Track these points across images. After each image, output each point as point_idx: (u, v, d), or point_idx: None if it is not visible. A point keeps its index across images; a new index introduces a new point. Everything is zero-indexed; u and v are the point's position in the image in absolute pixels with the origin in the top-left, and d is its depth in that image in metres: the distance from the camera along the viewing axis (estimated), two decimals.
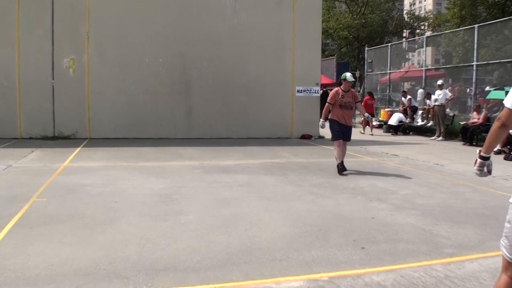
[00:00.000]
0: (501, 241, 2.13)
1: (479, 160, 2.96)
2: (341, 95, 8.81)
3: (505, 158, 11.20)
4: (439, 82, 16.61)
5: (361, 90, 31.87)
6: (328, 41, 50.74)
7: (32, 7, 13.63)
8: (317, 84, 16.26)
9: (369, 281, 3.65)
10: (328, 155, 11.51)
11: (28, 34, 13.56)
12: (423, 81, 19.46)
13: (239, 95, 15.33)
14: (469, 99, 17.34)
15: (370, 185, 7.69)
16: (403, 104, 19.51)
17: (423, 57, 20.87)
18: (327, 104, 9.01)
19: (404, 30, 50.76)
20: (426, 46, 20.41)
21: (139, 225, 5.09)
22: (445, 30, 35.32)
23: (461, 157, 11.55)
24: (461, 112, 17.66)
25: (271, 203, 6.30)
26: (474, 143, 14.21)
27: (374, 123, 21.04)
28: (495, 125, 2.66)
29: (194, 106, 15.07)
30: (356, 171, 8.89)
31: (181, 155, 11.13)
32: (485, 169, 2.96)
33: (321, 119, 9.25)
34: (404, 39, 44.88)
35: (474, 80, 16.16)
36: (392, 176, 8.62)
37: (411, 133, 18.49)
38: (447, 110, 16.89)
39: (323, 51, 28.51)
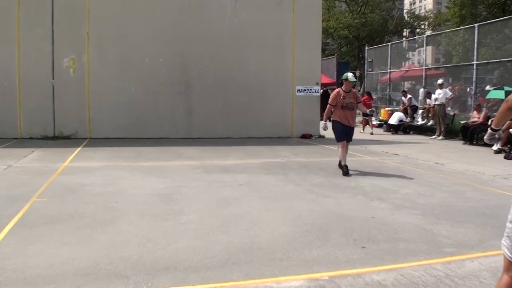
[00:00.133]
0: (503, 241, 2.13)
1: (489, 131, 3.32)
2: (343, 96, 8.69)
3: (505, 157, 11.20)
4: (439, 81, 16.61)
5: (361, 90, 31.84)
6: (328, 41, 50.73)
7: (32, 7, 13.63)
8: (317, 83, 16.26)
9: (369, 280, 3.64)
10: (328, 154, 11.52)
11: (28, 34, 13.56)
12: (423, 80, 19.46)
13: (239, 94, 15.33)
14: (469, 98, 17.33)
15: (371, 184, 7.69)
16: (403, 103, 19.50)
17: (423, 56, 20.87)
18: (328, 106, 8.89)
19: (404, 30, 50.75)
20: (426, 45, 20.39)
21: (140, 224, 5.09)
22: (445, 29, 35.32)
23: (462, 156, 11.54)
24: (462, 111, 17.66)
25: (271, 202, 6.30)
26: (474, 142, 14.21)
27: (374, 122, 21.05)
28: (503, 106, 2.94)
29: (194, 105, 15.07)
30: (357, 171, 8.88)
31: (181, 154, 11.13)
32: (496, 136, 3.31)
33: (322, 121, 9.13)
34: (404, 38, 44.94)
35: (474, 79, 16.16)
36: (393, 175, 8.61)
37: (411, 132, 18.48)
38: (449, 109, 16.90)
39: (323, 50, 28.53)
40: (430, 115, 17.46)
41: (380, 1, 47.61)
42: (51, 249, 4.21)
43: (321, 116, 21.31)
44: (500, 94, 14.02)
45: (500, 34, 16.68)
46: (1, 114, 13.41)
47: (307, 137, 15.67)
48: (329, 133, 16.15)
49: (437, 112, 16.21)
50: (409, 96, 19.36)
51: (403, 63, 26.70)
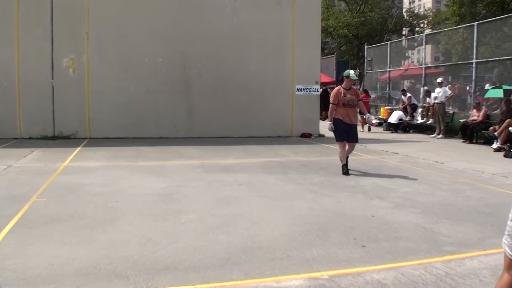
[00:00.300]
0: (504, 240, 2.12)
1: None
2: (343, 93, 8.56)
3: (505, 156, 11.20)
4: (439, 80, 16.60)
5: (361, 88, 31.83)
6: (327, 40, 50.75)
7: (32, 7, 13.62)
8: (316, 82, 16.26)
9: (369, 279, 3.65)
10: (328, 153, 11.52)
11: (28, 34, 13.55)
12: (423, 79, 19.43)
13: (239, 94, 15.32)
14: (468, 97, 17.32)
15: (371, 183, 7.69)
16: (403, 102, 19.50)
17: (422, 55, 20.85)
18: (331, 105, 8.72)
19: (404, 28, 50.74)
20: (426, 44, 20.38)
21: (140, 224, 5.09)
22: (445, 28, 35.29)
23: (461, 155, 11.54)
24: (461, 109, 17.64)
25: (271, 202, 6.31)
26: (474, 141, 14.22)
27: (374, 121, 21.02)
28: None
29: (194, 105, 15.07)
30: (356, 170, 8.88)
31: (181, 154, 11.13)
32: None
33: (328, 122, 8.87)
34: (403, 37, 44.92)
35: (473, 78, 16.14)
36: (392, 174, 8.62)
37: (411, 131, 18.48)
38: (450, 107, 16.90)
39: (322, 49, 28.49)
40: (429, 113, 17.45)
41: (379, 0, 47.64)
42: (51, 249, 4.21)
43: (321, 115, 21.42)
44: (498, 93, 14.01)
45: (500, 32, 16.66)
46: (1, 114, 13.41)
47: (307, 136, 15.67)
48: (329, 132, 16.21)
49: (437, 110, 16.21)
50: (408, 94, 19.35)
51: (402, 61, 26.69)
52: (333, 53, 37.33)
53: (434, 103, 16.38)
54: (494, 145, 12.40)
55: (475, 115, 14.58)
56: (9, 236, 4.59)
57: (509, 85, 14.18)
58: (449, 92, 16.43)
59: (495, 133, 12.57)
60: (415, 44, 31.09)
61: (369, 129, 18.27)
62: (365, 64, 25.38)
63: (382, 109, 21.33)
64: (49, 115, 13.87)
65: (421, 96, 19.56)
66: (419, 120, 18.42)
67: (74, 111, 14.07)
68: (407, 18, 51.54)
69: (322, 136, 15.90)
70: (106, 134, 14.15)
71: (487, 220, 5.48)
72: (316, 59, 16.40)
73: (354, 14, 46.02)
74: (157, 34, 14.58)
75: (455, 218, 5.51)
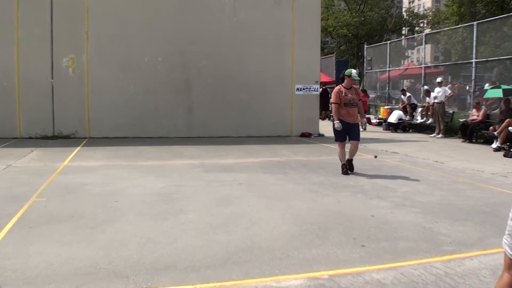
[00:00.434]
0: (504, 239, 2.12)
1: None
2: (344, 92, 8.46)
3: (505, 155, 11.20)
4: (439, 79, 16.61)
5: (360, 88, 31.84)
6: (327, 39, 50.69)
7: (31, 6, 13.60)
8: (316, 82, 16.26)
9: (369, 279, 3.65)
10: (328, 153, 11.52)
11: (27, 33, 13.53)
12: (423, 78, 19.45)
13: (238, 93, 15.32)
14: (468, 96, 17.33)
15: (370, 183, 7.70)
16: (403, 101, 19.50)
17: (422, 55, 20.85)
18: (334, 105, 8.58)
19: (403, 28, 50.71)
20: (425, 43, 20.39)
21: (139, 224, 5.09)
22: (444, 27, 35.30)
23: (461, 154, 11.55)
24: (461, 109, 17.65)
25: (271, 201, 6.31)
26: (473, 140, 14.22)
27: (374, 121, 21.05)
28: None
29: (194, 104, 15.06)
30: (356, 169, 8.87)
31: (181, 154, 11.13)
32: None
33: (335, 121, 8.53)
34: (403, 37, 44.90)
35: (473, 77, 16.15)
36: (392, 173, 8.62)
37: (410, 130, 18.47)
38: (451, 107, 16.90)
39: (322, 49, 28.48)
40: (429, 113, 17.45)
41: None
42: (50, 249, 4.21)
43: (321, 114, 21.42)
44: (498, 93, 14.01)
45: (499, 32, 16.67)
46: (0, 114, 13.39)
47: (306, 136, 15.68)
48: (329, 132, 16.21)
49: (437, 110, 16.21)
50: (408, 94, 19.35)
51: (402, 61, 26.68)
52: (332, 53, 37.28)
53: (434, 102, 16.38)
54: (494, 145, 12.40)
55: (474, 115, 14.58)
56: (9, 235, 4.60)
57: (509, 85, 14.18)
58: (449, 91, 16.43)
59: (495, 133, 12.57)
60: (415, 43, 31.08)
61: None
62: (364, 64, 25.39)
63: (381, 109, 21.34)
64: (48, 114, 13.86)
65: (422, 95, 19.57)
66: (419, 119, 18.42)
67: (74, 110, 14.06)
68: (407, 17, 51.48)
69: (322, 135, 15.92)
70: (105, 134, 14.14)
71: (486, 219, 5.48)
72: (315, 59, 16.40)
73: (353, 14, 45.98)
74: (157, 33, 14.57)
75: (454, 218, 5.52)
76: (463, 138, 14.62)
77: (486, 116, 14.24)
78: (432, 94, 16.62)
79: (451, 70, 19.68)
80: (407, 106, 18.97)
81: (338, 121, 8.46)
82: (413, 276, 3.71)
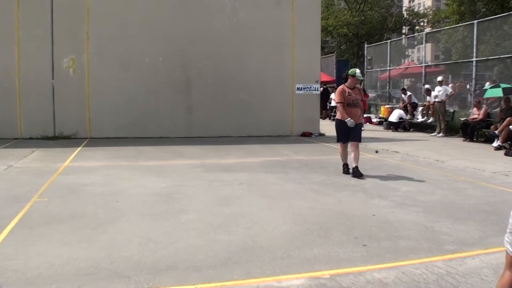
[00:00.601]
0: (506, 238, 2.12)
1: None
2: (348, 92, 8.28)
3: (506, 154, 11.19)
4: (439, 78, 16.60)
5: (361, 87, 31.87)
6: (327, 39, 50.72)
7: (32, 7, 13.61)
8: (317, 81, 16.26)
9: (370, 278, 3.64)
10: (328, 152, 11.52)
11: (28, 34, 13.54)
12: (423, 77, 19.43)
13: (239, 93, 15.32)
14: (469, 95, 17.32)
15: (371, 182, 7.69)
16: (403, 100, 19.49)
17: (422, 54, 20.84)
18: (339, 104, 8.32)
19: (404, 27, 50.71)
20: (426, 42, 20.38)
21: (140, 224, 5.09)
22: (445, 26, 35.28)
23: (462, 153, 11.54)
24: (462, 108, 17.65)
25: (272, 201, 6.30)
26: (474, 139, 14.21)
27: (374, 120, 21.04)
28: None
29: (194, 104, 15.07)
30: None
31: (181, 154, 11.13)
32: None
33: (348, 119, 8.18)
34: (403, 36, 44.89)
35: (474, 76, 16.15)
36: (393, 173, 8.61)
37: (411, 129, 18.46)
38: (454, 106, 16.89)
39: (322, 48, 28.52)
40: (430, 112, 17.45)
41: None
42: (52, 249, 4.21)
43: (322, 114, 21.41)
44: (498, 92, 14.00)
45: (499, 30, 16.66)
46: (1, 115, 13.41)
47: (307, 135, 15.68)
48: (329, 131, 16.22)
49: (437, 109, 16.21)
50: (408, 93, 19.34)
51: (402, 60, 26.69)
52: (333, 52, 37.29)
53: (435, 101, 16.38)
54: (495, 144, 12.40)
55: (475, 114, 14.57)
56: (10, 236, 4.60)
57: (509, 84, 14.17)
58: (450, 90, 16.42)
59: (496, 132, 12.57)
60: (415, 42, 31.10)
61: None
62: (365, 63, 25.39)
63: (382, 108, 21.33)
64: (49, 115, 13.87)
65: (422, 94, 19.55)
66: (420, 118, 18.41)
67: (75, 111, 14.07)
68: (407, 16, 51.51)
69: (323, 135, 15.92)
70: (106, 134, 14.15)
71: (488, 218, 5.47)
72: (316, 58, 16.40)
73: (354, 13, 46.00)
74: (157, 33, 14.58)
75: (456, 217, 5.51)
76: (464, 137, 14.61)
77: (487, 114, 14.22)
78: (433, 93, 16.61)
79: (452, 69, 19.68)
80: (408, 105, 18.96)
81: (350, 118, 8.19)
82: (414, 276, 3.71)
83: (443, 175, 8.42)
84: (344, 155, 8.55)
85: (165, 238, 4.59)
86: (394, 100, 22.25)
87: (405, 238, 4.70)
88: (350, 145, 8.46)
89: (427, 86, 18.00)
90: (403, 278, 3.66)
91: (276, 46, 15.65)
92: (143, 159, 10.10)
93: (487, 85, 15.48)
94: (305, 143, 13.80)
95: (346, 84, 8.41)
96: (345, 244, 4.48)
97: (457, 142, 14.21)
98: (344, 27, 45.30)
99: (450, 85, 17.23)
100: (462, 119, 15.32)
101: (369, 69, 24.27)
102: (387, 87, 22.86)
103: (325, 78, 25.50)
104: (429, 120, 17.50)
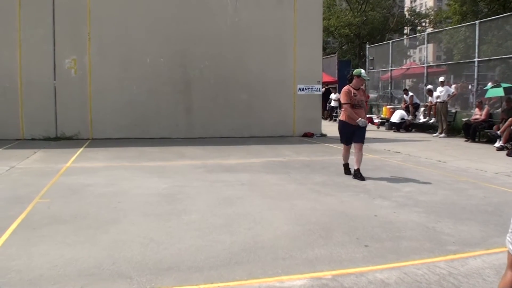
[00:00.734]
0: (507, 237, 2.13)
1: None
2: (353, 93, 8.07)
3: (508, 154, 11.18)
4: (441, 79, 16.59)
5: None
6: (329, 39, 50.74)
7: (33, 7, 13.63)
8: (318, 82, 16.26)
9: (372, 279, 3.64)
10: (330, 153, 11.52)
11: (30, 35, 13.57)
12: (425, 78, 19.42)
13: (240, 93, 15.33)
14: (471, 95, 17.30)
15: (373, 182, 7.69)
16: (405, 101, 19.48)
17: (424, 54, 20.83)
18: (346, 105, 8.10)
19: (405, 27, 50.67)
20: (428, 42, 20.37)
21: (143, 225, 5.10)
22: (446, 26, 35.25)
23: (464, 154, 11.53)
24: (463, 108, 17.64)
25: (273, 201, 6.30)
26: (476, 140, 14.20)
27: (376, 120, 21.03)
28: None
29: (196, 105, 15.07)
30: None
31: (183, 154, 11.14)
32: None
33: (360, 119, 8.03)
34: (405, 36, 44.86)
35: (476, 77, 16.14)
36: (395, 173, 8.61)
37: (413, 130, 18.46)
38: (455, 107, 16.87)
39: (324, 49, 28.55)
40: (432, 112, 17.43)
41: None
42: (54, 250, 4.22)
43: (323, 114, 21.39)
44: (499, 92, 13.98)
45: (501, 30, 16.65)
46: (3, 116, 13.43)
47: (309, 136, 15.68)
48: (331, 132, 16.23)
49: (439, 109, 16.20)
50: (410, 93, 19.33)
51: (404, 60, 26.69)
52: (334, 53, 37.31)
53: (436, 102, 16.37)
54: (497, 144, 12.39)
55: (477, 114, 14.55)
56: (13, 237, 4.60)
57: (508, 83, 14.17)
58: (452, 90, 16.41)
59: (498, 132, 12.56)
60: (417, 43, 31.02)
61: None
62: (366, 63, 25.37)
63: (384, 109, 21.32)
64: (51, 116, 13.89)
65: (424, 94, 19.53)
66: (421, 119, 18.40)
67: (76, 112, 14.09)
68: (409, 17, 51.49)
69: (324, 135, 15.92)
70: (108, 135, 14.17)
71: (490, 219, 5.47)
72: (317, 59, 16.40)
73: (355, 14, 46.01)
74: (158, 34, 14.59)
75: (458, 217, 5.51)
76: (466, 138, 14.60)
77: (489, 115, 14.21)
78: (435, 94, 16.60)
79: (454, 69, 19.67)
80: (410, 105, 18.94)
81: (361, 118, 8.04)
82: (416, 276, 3.71)
83: (445, 176, 8.41)
84: (346, 156, 8.47)
85: (167, 239, 4.59)
86: (396, 101, 22.25)
87: (407, 238, 4.70)
88: (353, 146, 8.33)
89: (429, 86, 17.99)
90: (405, 278, 3.66)
91: (277, 46, 15.66)
92: (145, 159, 10.11)
93: (489, 85, 15.47)
94: (306, 144, 13.80)
95: (351, 85, 8.21)
96: (347, 244, 4.48)
97: (459, 142, 14.20)
98: (346, 27, 45.33)
99: (453, 86, 17.21)
100: (464, 119, 15.30)
101: (370, 69, 24.26)
102: (389, 88, 22.86)
103: (327, 78, 25.50)
104: (431, 121, 17.49)
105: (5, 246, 4.33)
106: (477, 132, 14.27)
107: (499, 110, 14.24)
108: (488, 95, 14.61)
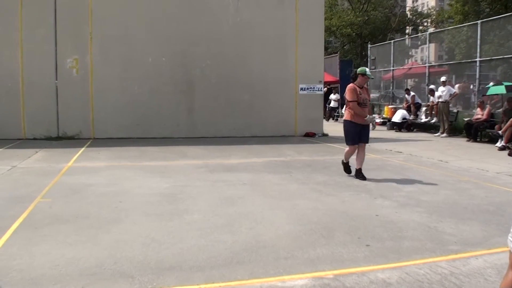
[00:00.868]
0: (509, 237, 2.12)
1: None
2: (359, 91, 7.91)
3: (510, 154, 11.17)
4: (443, 78, 16.58)
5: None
6: (331, 39, 50.73)
7: (35, 7, 13.64)
8: (320, 81, 16.25)
9: (374, 279, 3.64)
10: (332, 152, 11.51)
11: (31, 34, 13.58)
12: (427, 77, 19.40)
13: (242, 93, 15.33)
14: (472, 95, 17.29)
15: (374, 182, 7.68)
16: (407, 101, 19.46)
17: (426, 54, 20.81)
18: (353, 103, 7.89)
19: (407, 27, 50.65)
20: (429, 42, 20.36)
21: (144, 224, 5.10)
22: (448, 26, 35.23)
23: (466, 154, 11.52)
24: (465, 108, 17.62)
25: (275, 201, 6.30)
26: (478, 139, 14.18)
27: (377, 120, 21.01)
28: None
29: (198, 104, 15.08)
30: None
31: (185, 154, 11.14)
32: None
33: (367, 116, 7.96)
34: (407, 36, 44.83)
35: (477, 76, 16.13)
36: (396, 173, 8.60)
37: (414, 130, 18.44)
38: (457, 106, 16.85)
39: (326, 48, 28.44)
40: (433, 112, 17.42)
41: None
42: (56, 249, 4.22)
43: (325, 114, 21.37)
44: (500, 89, 13.96)
45: (503, 30, 16.63)
46: (5, 115, 13.45)
47: (310, 136, 15.67)
48: (332, 131, 16.24)
49: (441, 109, 16.19)
50: (412, 93, 19.31)
51: (406, 60, 26.67)
52: (336, 52, 37.28)
53: (438, 101, 16.35)
54: (499, 144, 12.37)
55: (479, 114, 14.54)
56: (14, 236, 4.61)
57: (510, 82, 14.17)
58: (453, 90, 16.39)
59: (500, 132, 12.54)
60: (419, 42, 31.08)
61: (374, 127, 18.22)
62: (368, 63, 25.36)
63: (385, 108, 21.30)
64: (53, 115, 13.91)
65: (426, 94, 19.51)
66: (423, 119, 18.38)
67: (78, 111, 14.10)
68: (411, 16, 51.45)
69: (326, 135, 15.91)
70: (110, 134, 14.18)
71: (491, 219, 5.46)
72: (319, 58, 16.39)
73: (357, 13, 45.96)
74: (160, 34, 14.60)
75: (459, 217, 5.50)
76: (467, 137, 14.59)
77: (491, 115, 14.19)
78: (436, 93, 16.59)
79: (455, 69, 19.65)
80: (411, 105, 18.93)
81: (372, 116, 7.78)
82: (418, 276, 3.70)
83: (446, 175, 8.40)
84: (348, 156, 8.23)
85: (169, 238, 4.59)
86: (398, 100, 22.23)
87: (408, 238, 4.69)
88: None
89: (432, 86, 17.97)
90: (407, 278, 3.66)
91: (279, 46, 15.66)
92: (146, 159, 10.12)
93: (491, 85, 15.46)
94: (308, 144, 13.80)
95: (355, 83, 8.04)
96: (348, 244, 4.48)
97: (461, 142, 14.19)
98: (348, 27, 45.28)
99: (457, 85, 17.20)
100: (466, 119, 15.29)
101: (372, 69, 24.21)
102: (391, 87, 22.84)
103: (329, 78, 25.48)
104: (433, 121, 17.47)
105: (6, 245, 4.33)
106: (478, 132, 14.26)
107: (501, 110, 14.22)
108: (490, 92, 14.59)
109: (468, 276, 3.71)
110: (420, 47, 32.53)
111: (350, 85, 8.05)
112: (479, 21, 16.50)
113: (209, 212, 5.63)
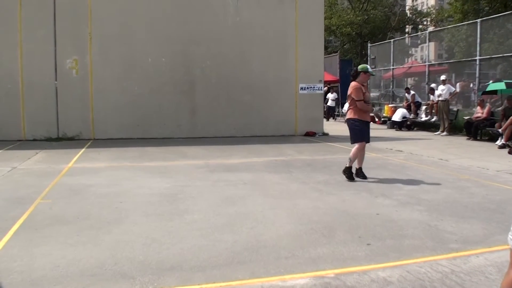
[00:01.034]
0: (510, 235, 2.12)
1: None
2: (363, 90, 7.83)
3: (510, 152, 11.16)
4: (442, 77, 16.58)
5: None
6: (331, 38, 50.75)
7: (34, 8, 13.63)
8: (320, 81, 16.25)
9: (375, 277, 3.64)
10: (332, 152, 11.51)
11: (31, 35, 13.58)
12: (426, 76, 19.40)
13: (242, 93, 15.33)
14: (472, 94, 17.28)
15: (375, 181, 7.68)
16: (407, 99, 19.47)
17: (426, 53, 20.80)
18: (359, 102, 7.70)
19: (407, 26, 50.64)
20: (429, 41, 20.35)
21: (145, 225, 5.10)
22: (448, 25, 35.22)
23: (466, 152, 11.51)
24: (465, 106, 17.62)
25: (276, 201, 6.30)
26: (478, 138, 14.19)
27: (377, 119, 21.02)
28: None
29: (198, 105, 15.08)
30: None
31: (185, 154, 11.14)
32: None
33: (373, 109, 7.76)
34: (406, 35, 44.81)
35: (477, 75, 16.13)
36: (397, 172, 8.60)
37: (415, 128, 18.44)
38: (457, 105, 16.84)
39: (326, 48, 28.46)
40: (433, 111, 17.42)
41: None
42: (56, 251, 4.22)
43: (325, 114, 21.37)
44: (500, 86, 13.96)
45: (503, 29, 16.63)
46: (5, 116, 13.45)
47: (311, 135, 15.67)
48: (333, 131, 16.25)
49: (441, 108, 16.19)
50: (412, 92, 19.32)
51: (406, 59, 26.65)
52: (336, 52, 37.29)
53: (438, 100, 16.35)
54: (499, 142, 12.38)
55: (479, 112, 14.55)
56: (15, 238, 4.61)
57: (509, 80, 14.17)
58: (453, 89, 16.39)
59: (500, 130, 12.54)
60: (419, 41, 30.99)
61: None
62: (368, 62, 25.34)
63: (386, 107, 21.31)
64: (53, 116, 13.90)
65: (427, 93, 19.50)
66: (423, 117, 18.38)
67: (78, 112, 14.10)
68: (410, 15, 51.45)
69: (326, 134, 15.91)
70: (110, 135, 14.18)
71: (492, 217, 5.46)
72: (319, 58, 16.39)
73: (357, 12, 46.00)
74: (160, 34, 14.60)
75: (460, 215, 5.50)
76: (467, 136, 14.59)
77: (491, 113, 14.20)
78: (436, 92, 16.59)
79: (455, 67, 19.65)
80: (411, 104, 18.94)
81: (374, 108, 7.63)
82: (419, 274, 3.70)
83: (447, 174, 8.40)
84: (355, 157, 7.84)
85: (170, 238, 4.59)
86: (398, 99, 22.23)
87: (409, 236, 4.69)
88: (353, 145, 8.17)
89: (432, 85, 17.97)
90: (408, 276, 3.66)
91: (279, 45, 15.66)
92: (147, 159, 10.12)
93: (491, 83, 15.46)
94: (308, 143, 13.79)
95: (357, 81, 7.88)
96: (349, 243, 4.48)
97: (461, 140, 14.19)
98: (348, 26, 45.30)
99: (457, 84, 17.19)
100: (466, 117, 15.29)
101: (372, 68, 24.20)
102: (391, 86, 22.84)
103: (329, 77, 25.48)
104: (433, 119, 17.48)
105: (7, 247, 4.33)
106: (478, 130, 14.27)
107: (500, 108, 14.22)
108: (489, 88, 14.59)
109: (469, 274, 3.71)
110: (420, 46, 32.46)
111: (355, 83, 7.87)
112: (478, 20, 16.50)
113: (210, 212, 5.63)
